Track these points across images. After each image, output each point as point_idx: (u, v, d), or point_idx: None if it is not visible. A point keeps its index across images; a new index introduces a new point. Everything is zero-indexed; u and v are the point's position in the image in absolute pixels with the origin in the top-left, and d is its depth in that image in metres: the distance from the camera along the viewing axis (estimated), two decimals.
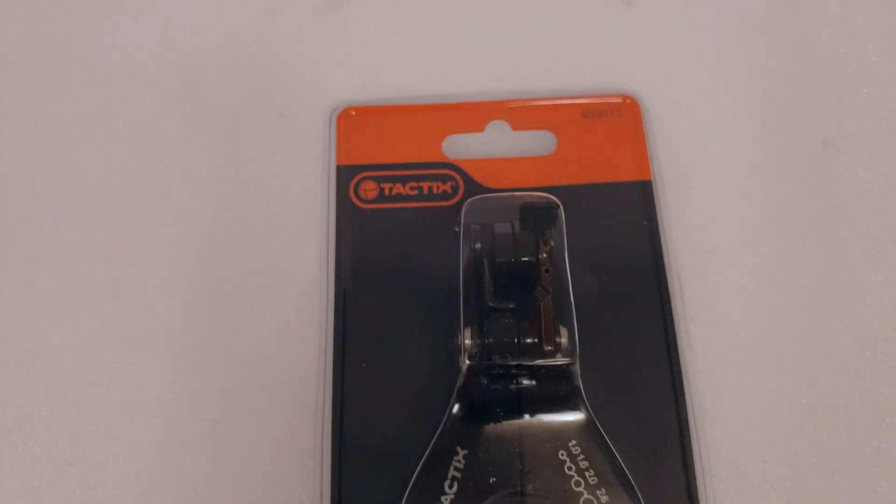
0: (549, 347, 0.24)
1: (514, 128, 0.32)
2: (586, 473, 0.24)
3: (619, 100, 0.32)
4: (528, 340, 0.24)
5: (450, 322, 0.28)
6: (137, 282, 0.31)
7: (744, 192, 0.32)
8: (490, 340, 0.24)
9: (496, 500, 0.23)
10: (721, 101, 0.33)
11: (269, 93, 0.34)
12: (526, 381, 0.24)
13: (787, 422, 0.29)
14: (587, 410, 0.25)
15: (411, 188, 0.31)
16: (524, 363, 0.24)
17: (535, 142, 0.32)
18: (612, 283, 0.29)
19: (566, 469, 0.24)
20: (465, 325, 0.25)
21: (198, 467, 0.28)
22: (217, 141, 0.33)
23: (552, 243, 0.25)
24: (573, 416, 0.25)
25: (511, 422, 0.24)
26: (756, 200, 0.32)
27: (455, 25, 0.34)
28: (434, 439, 0.24)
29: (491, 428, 0.24)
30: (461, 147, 0.32)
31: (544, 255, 0.24)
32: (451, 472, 0.24)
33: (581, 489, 0.24)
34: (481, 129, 0.32)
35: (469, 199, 0.28)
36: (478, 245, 0.25)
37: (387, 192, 0.31)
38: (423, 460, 0.24)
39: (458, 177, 0.31)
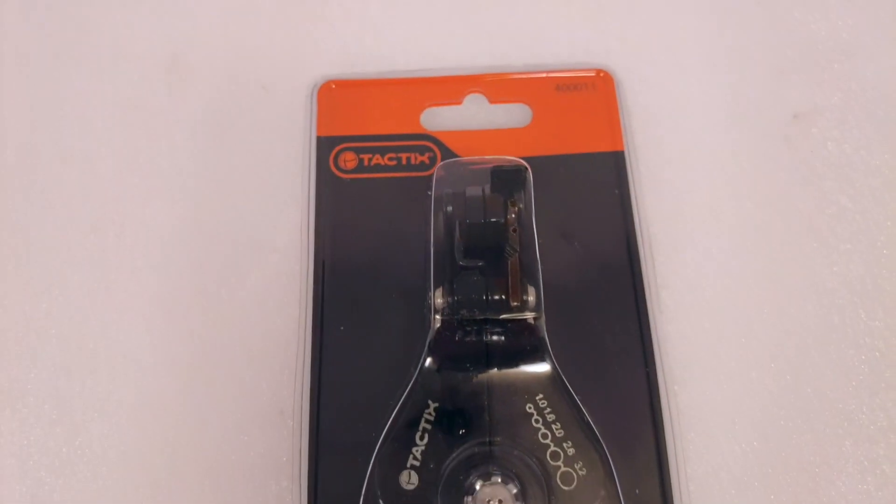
0: (516, 303, 0.25)
1: (491, 100, 0.33)
2: (553, 426, 0.25)
3: (592, 73, 0.33)
4: (496, 297, 0.25)
5: (426, 286, 0.29)
6: (123, 250, 0.32)
7: (715, 163, 0.33)
8: (458, 297, 0.25)
9: (465, 451, 0.24)
10: (694, 76, 0.35)
11: (253, 68, 0.35)
12: (494, 337, 0.25)
13: (755, 384, 0.30)
14: (554, 365, 0.26)
15: (390, 159, 0.32)
16: (492, 318, 0.25)
17: (511, 114, 0.33)
18: (584, 250, 0.30)
19: (533, 422, 0.25)
20: (437, 283, 0.26)
21: (180, 427, 0.29)
22: (202, 114, 0.34)
23: (520, 205, 0.26)
24: (540, 371, 0.26)
25: (480, 375, 0.25)
26: (727, 171, 0.33)
27: (433, 1, 0.35)
28: (406, 393, 0.26)
29: (461, 381, 0.25)
30: (439, 119, 0.33)
31: (512, 216, 0.25)
32: (423, 425, 0.25)
33: (548, 441, 0.25)
34: (459, 102, 0.33)
35: (441, 163, 0.29)
36: (449, 208, 0.26)
37: (366, 163, 0.32)
38: (394, 413, 0.25)
39: (435, 148, 0.32)
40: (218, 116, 0.34)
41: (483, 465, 0.24)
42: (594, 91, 0.33)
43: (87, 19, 0.36)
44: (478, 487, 0.24)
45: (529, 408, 0.25)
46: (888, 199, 0.33)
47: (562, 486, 0.24)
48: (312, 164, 0.32)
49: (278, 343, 0.30)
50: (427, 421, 0.25)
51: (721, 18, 0.35)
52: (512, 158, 0.28)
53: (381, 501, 0.24)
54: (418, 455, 0.25)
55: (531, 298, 0.25)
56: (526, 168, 0.27)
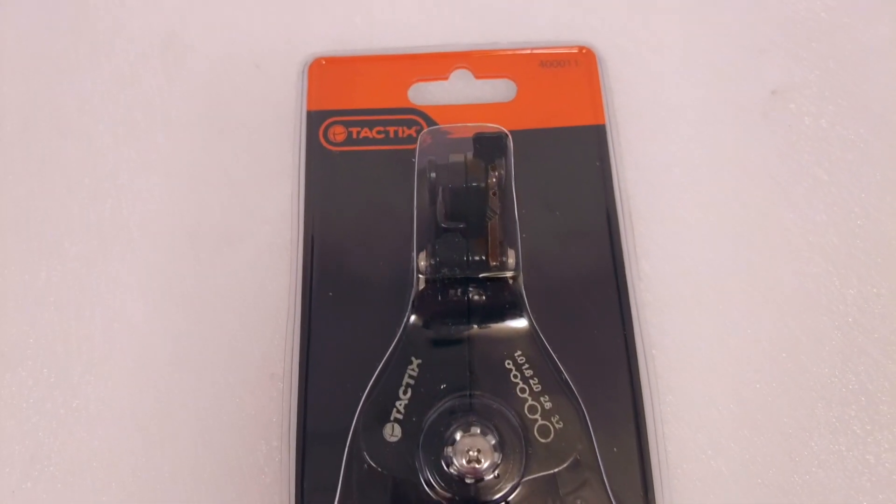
0: (495, 263, 0.26)
1: (477, 76, 0.34)
2: (530, 381, 0.26)
3: (575, 50, 0.34)
4: (476, 257, 0.26)
5: (412, 253, 0.30)
6: (119, 220, 0.33)
7: (694, 137, 0.34)
8: (440, 257, 0.26)
9: (446, 404, 0.26)
10: (674, 53, 0.36)
11: (246, 46, 0.36)
12: (475, 296, 0.27)
13: (732, 349, 0.31)
14: (532, 323, 0.27)
15: (378, 132, 0.33)
16: (472, 277, 0.26)
17: (496, 89, 0.35)
18: (565, 219, 0.32)
19: (512, 377, 0.26)
20: (420, 247, 0.27)
21: (174, 390, 0.31)
22: (196, 91, 0.36)
23: (501, 170, 0.27)
24: (518, 328, 0.27)
25: (461, 332, 0.27)
26: (706, 144, 0.34)
27: None
28: (390, 350, 0.27)
29: (442, 339, 0.27)
30: (426, 94, 0.34)
31: (493, 180, 0.27)
32: (406, 380, 0.26)
33: (526, 395, 0.26)
34: (445, 78, 0.34)
35: (426, 130, 0.30)
36: (433, 174, 0.28)
37: (354, 136, 0.33)
38: (379, 369, 0.27)
39: (422, 122, 0.33)
40: (212, 93, 0.36)
41: (463, 417, 0.25)
42: (577, 67, 0.34)
43: (88, 1, 0.37)
44: (458, 438, 0.25)
45: (508, 364, 0.26)
46: (863, 173, 0.34)
47: (539, 438, 0.26)
48: (303, 137, 0.33)
49: (269, 309, 0.32)
50: (410, 377, 0.26)
51: None
52: (494, 126, 0.29)
53: (365, 454, 0.26)
54: (401, 409, 0.26)
55: (510, 260, 0.27)
56: (507, 135, 0.28)
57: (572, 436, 0.26)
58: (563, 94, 0.34)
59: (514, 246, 0.27)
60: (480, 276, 0.26)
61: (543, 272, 0.31)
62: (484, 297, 0.27)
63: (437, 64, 0.34)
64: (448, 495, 0.25)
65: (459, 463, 0.25)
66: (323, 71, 0.34)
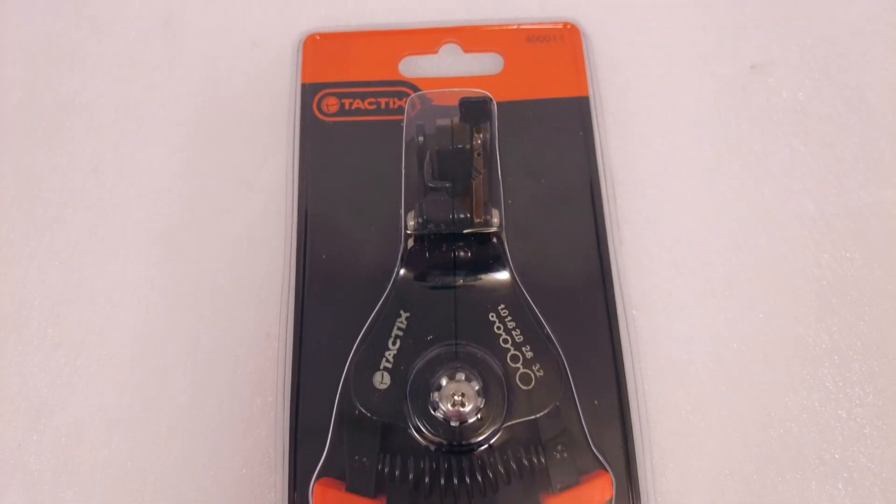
0: (479, 220, 0.28)
1: (465, 50, 0.36)
2: (513, 333, 0.28)
3: (560, 26, 0.36)
4: (462, 214, 0.28)
5: (401, 216, 0.32)
6: (121, 189, 0.35)
7: (675, 109, 0.36)
8: (428, 214, 0.28)
9: (433, 353, 0.28)
10: (656, 29, 0.38)
11: (243, 24, 0.38)
12: (461, 252, 0.29)
13: (710, 311, 0.33)
14: (514, 278, 0.29)
15: (370, 103, 0.35)
16: (457, 232, 0.28)
17: (484, 63, 0.36)
18: (550, 186, 0.34)
19: (495, 329, 0.28)
20: (408, 207, 0.29)
21: (173, 349, 0.32)
22: (195, 67, 0.38)
23: (485, 133, 0.29)
24: (502, 283, 0.29)
25: (448, 285, 0.29)
26: (686, 116, 0.36)
27: None
28: (380, 304, 0.29)
29: (430, 292, 0.29)
30: (416, 67, 0.36)
31: (478, 142, 0.28)
32: (395, 332, 0.28)
33: (508, 346, 0.28)
34: (435, 52, 0.36)
35: (413, 95, 0.32)
36: (420, 138, 0.30)
37: (347, 107, 0.35)
38: (369, 321, 0.28)
39: (412, 94, 0.35)
40: (210, 69, 0.38)
41: (449, 364, 0.27)
42: (562, 42, 0.36)
43: None
44: (443, 384, 0.27)
45: (492, 316, 0.28)
46: (838, 143, 0.36)
47: (521, 385, 0.28)
48: (297, 109, 0.35)
49: (265, 272, 0.33)
50: (399, 328, 0.28)
51: None
52: (478, 91, 0.31)
53: (355, 400, 0.27)
54: (390, 358, 0.28)
55: (495, 219, 0.29)
56: (491, 99, 0.30)
57: (553, 384, 0.27)
58: (548, 68, 0.36)
59: (498, 206, 0.29)
60: (465, 231, 0.28)
61: (529, 236, 0.33)
62: (469, 253, 0.29)
63: (427, 39, 0.36)
64: (434, 438, 0.27)
65: (445, 407, 0.27)
66: (317, 46, 0.36)
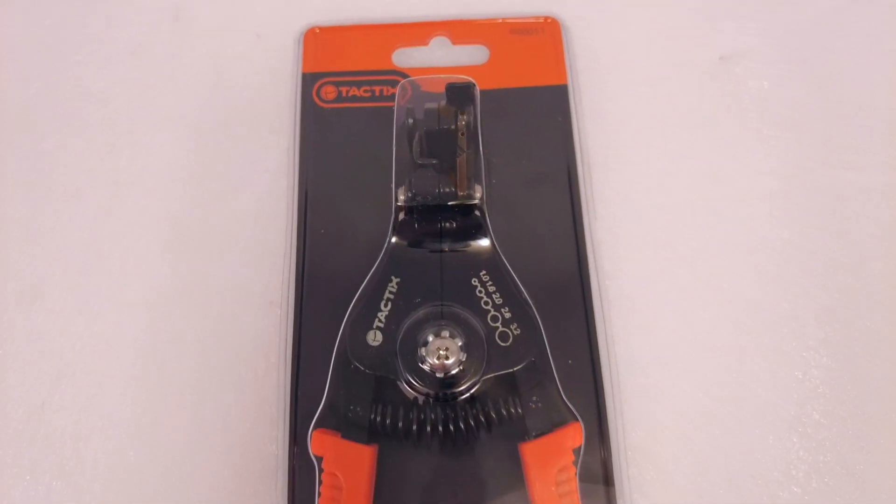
0: (463, 193, 0.31)
1: (454, 42, 0.40)
2: (493, 296, 0.31)
3: (542, 20, 0.40)
4: (447, 189, 0.31)
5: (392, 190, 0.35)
6: (134, 170, 0.39)
7: (649, 96, 0.40)
8: (416, 188, 0.31)
9: (421, 313, 0.31)
10: (631, 23, 0.41)
11: (248, 18, 0.42)
12: (446, 223, 0.32)
13: (679, 280, 0.37)
14: (494, 246, 0.32)
15: (365, 91, 0.38)
16: (443, 204, 0.31)
17: (471, 54, 0.40)
18: (531, 167, 0.37)
19: (477, 292, 0.32)
20: (399, 180, 0.32)
21: (184, 315, 0.36)
22: (203, 58, 0.41)
23: (469, 116, 0.32)
24: (483, 251, 0.32)
25: (434, 252, 0.32)
26: (659, 102, 0.40)
27: None
28: (372, 270, 0.32)
29: (418, 259, 0.32)
30: (408, 58, 0.40)
31: (462, 123, 0.32)
32: (386, 295, 0.31)
33: (489, 307, 0.31)
34: (426, 44, 0.40)
35: (404, 81, 0.35)
36: (410, 121, 0.33)
37: (344, 94, 0.38)
38: (363, 285, 0.32)
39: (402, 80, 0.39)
40: (216, 59, 0.41)
41: (435, 323, 0.31)
42: (543, 34, 0.40)
43: None
44: (430, 340, 0.30)
45: (474, 280, 0.31)
46: (800, 127, 0.39)
47: (499, 342, 0.31)
48: (298, 96, 0.39)
49: (269, 245, 0.37)
50: (390, 292, 0.31)
51: None
52: (464, 77, 0.34)
53: (351, 356, 0.31)
54: (382, 319, 0.31)
55: (477, 193, 0.32)
56: (474, 84, 0.33)
57: (528, 342, 0.31)
58: (530, 58, 0.39)
59: (479, 181, 0.32)
60: (450, 203, 0.32)
61: (511, 212, 0.36)
62: (453, 223, 0.32)
63: (419, 31, 0.40)
64: (422, 388, 0.30)
65: (431, 361, 0.30)
66: (317, 38, 0.40)
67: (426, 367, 0.30)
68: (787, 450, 0.34)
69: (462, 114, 0.32)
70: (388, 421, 0.30)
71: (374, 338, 0.31)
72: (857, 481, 0.33)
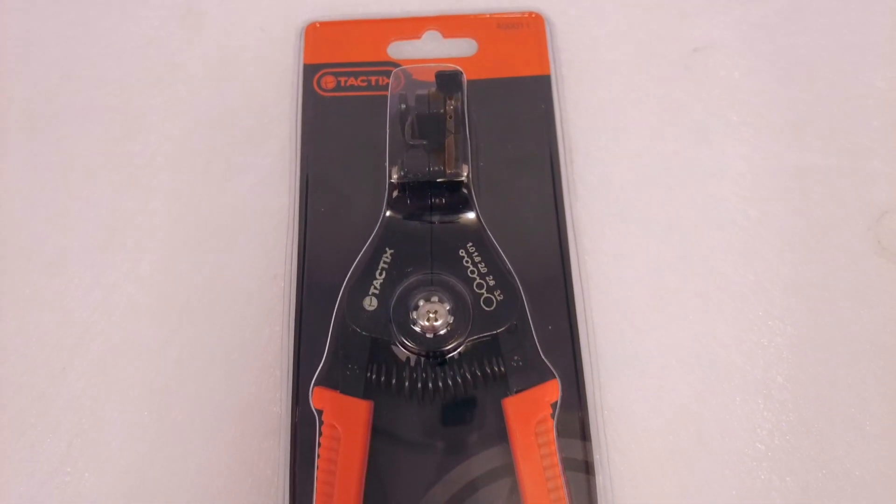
0: (451, 171, 0.35)
1: (445, 36, 0.43)
2: (479, 265, 0.35)
3: (526, 15, 0.43)
4: (436, 167, 0.35)
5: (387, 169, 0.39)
6: (147, 154, 0.42)
7: (626, 85, 0.43)
8: (408, 167, 0.35)
9: (413, 280, 0.34)
10: (610, 17, 0.45)
11: (253, 14, 0.45)
12: (436, 198, 0.35)
13: (652, 254, 0.40)
14: (479, 219, 0.36)
15: (362, 81, 0.42)
16: (432, 181, 0.35)
17: (461, 47, 0.43)
18: (516, 150, 0.40)
19: (464, 262, 0.35)
20: (393, 160, 0.36)
21: (192, 288, 0.39)
22: (211, 50, 0.45)
23: (457, 101, 0.36)
24: (469, 224, 0.36)
25: (425, 227, 0.35)
26: (636, 92, 0.43)
27: None
28: (368, 242, 0.35)
29: (410, 232, 0.35)
30: (402, 50, 0.43)
31: (450, 108, 0.35)
32: (381, 265, 0.35)
33: (475, 276, 0.35)
34: (418, 37, 0.43)
35: (397, 69, 0.39)
36: (403, 106, 0.36)
37: (342, 84, 0.42)
38: (359, 256, 0.35)
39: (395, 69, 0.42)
40: (223, 51, 0.44)
41: (425, 289, 0.34)
42: (527, 28, 0.43)
43: None
44: (420, 304, 0.34)
45: (461, 251, 0.35)
46: (766, 115, 0.43)
47: (484, 307, 0.34)
48: (300, 86, 0.42)
49: (272, 221, 0.40)
50: (385, 262, 0.35)
51: None
52: (452, 65, 0.38)
53: (348, 320, 0.34)
54: (377, 286, 0.34)
55: (464, 172, 0.35)
56: (461, 72, 0.37)
57: (510, 307, 0.34)
58: (515, 51, 0.43)
59: (466, 161, 0.36)
60: (439, 180, 0.35)
61: (497, 192, 0.39)
62: (442, 199, 0.35)
63: (412, 26, 0.43)
64: (413, 347, 0.33)
65: (422, 323, 0.33)
66: (317, 32, 0.43)
67: (417, 329, 0.33)
68: (753, 410, 0.37)
69: (450, 99, 0.35)
70: (382, 378, 0.33)
71: (370, 303, 0.34)
72: (816, 438, 0.37)
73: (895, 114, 0.42)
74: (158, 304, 0.39)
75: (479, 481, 0.33)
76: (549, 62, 0.42)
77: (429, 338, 0.33)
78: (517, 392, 0.33)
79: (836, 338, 0.38)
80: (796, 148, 0.42)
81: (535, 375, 0.34)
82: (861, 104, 0.43)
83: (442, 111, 0.35)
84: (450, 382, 0.34)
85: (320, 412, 0.33)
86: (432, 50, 0.43)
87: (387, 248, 0.35)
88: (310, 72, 0.42)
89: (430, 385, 0.34)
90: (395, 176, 0.36)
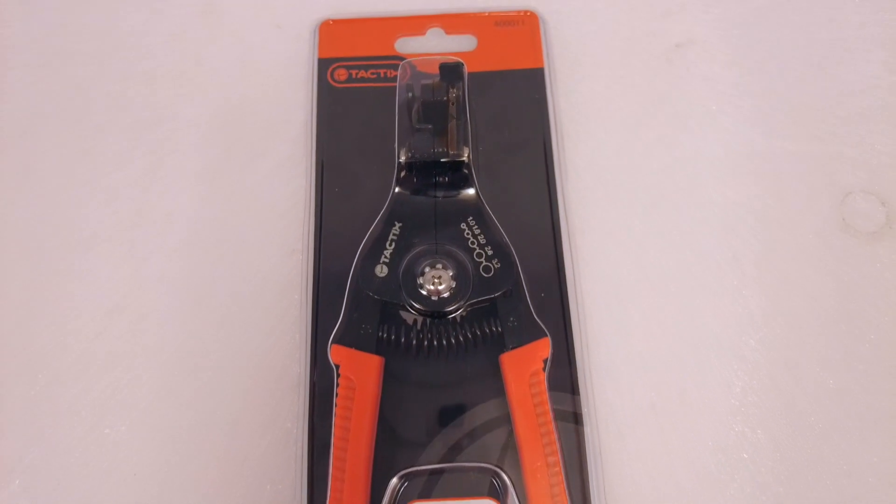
0: (453, 152, 0.39)
1: (447, 32, 0.48)
2: (479, 237, 0.39)
3: (522, 13, 0.48)
4: (440, 149, 0.39)
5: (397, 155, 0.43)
6: (174, 138, 0.46)
7: (613, 77, 0.48)
8: (414, 149, 0.39)
9: (419, 250, 0.39)
10: (599, 15, 0.49)
11: (269, 11, 0.50)
12: (439, 177, 0.40)
13: (637, 231, 0.44)
14: (479, 196, 0.40)
15: (371, 73, 0.46)
16: (436, 161, 0.39)
17: (462, 43, 0.48)
18: (512, 136, 0.45)
19: (465, 235, 0.39)
20: (401, 142, 0.40)
21: (215, 263, 0.43)
22: (231, 45, 0.49)
23: (458, 90, 0.40)
24: (470, 200, 0.40)
25: (430, 202, 0.40)
26: (622, 83, 0.48)
27: None
28: (379, 216, 0.40)
29: (417, 207, 0.40)
30: (408, 46, 0.48)
31: (452, 95, 0.40)
32: (391, 237, 0.39)
33: (475, 246, 0.39)
34: (423, 34, 0.48)
35: (404, 61, 0.43)
36: (410, 94, 0.41)
37: (354, 76, 0.46)
38: (371, 229, 0.40)
39: (402, 61, 0.47)
40: (243, 46, 0.49)
41: (430, 258, 0.38)
42: (523, 25, 0.48)
43: None
44: (426, 271, 0.38)
45: (463, 224, 0.39)
46: (743, 105, 0.47)
47: (483, 274, 0.39)
48: (315, 78, 0.47)
49: (290, 201, 0.45)
50: (394, 234, 0.39)
51: None
52: (454, 57, 0.42)
53: (361, 286, 0.38)
54: (388, 255, 0.39)
55: (465, 153, 0.40)
56: (462, 64, 0.41)
57: (506, 274, 0.38)
58: (512, 46, 0.47)
59: (467, 143, 0.40)
60: (442, 160, 0.39)
61: (495, 174, 0.44)
62: (445, 177, 0.40)
63: (417, 23, 0.48)
64: (420, 308, 0.38)
65: (427, 287, 0.38)
66: (330, 29, 0.48)
67: (423, 292, 0.38)
68: (728, 370, 0.41)
69: (452, 88, 0.40)
70: (392, 337, 0.38)
71: (381, 271, 0.39)
72: (785, 397, 0.41)
73: (859, 104, 0.47)
74: (185, 277, 0.44)
75: (479, 428, 0.38)
76: (542, 56, 0.47)
77: (433, 300, 0.38)
78: (513, 348, 0.38)
79: (802, 305, 0.43)
80: (769, 135, 0.46)
81: (528, 334, 0.38)
82: (828, 95, 0.47)
83: (445, 99, 0.40)
84: (452, 340, 0.38)
85: (337, 366, 0.38)
86: (435, 45, 0.48)
87: (396, 222, 0.40)
88: (324, 65, 0.47)
89: (435, 343, 0.38)
90: (403, 157, 0.40)
